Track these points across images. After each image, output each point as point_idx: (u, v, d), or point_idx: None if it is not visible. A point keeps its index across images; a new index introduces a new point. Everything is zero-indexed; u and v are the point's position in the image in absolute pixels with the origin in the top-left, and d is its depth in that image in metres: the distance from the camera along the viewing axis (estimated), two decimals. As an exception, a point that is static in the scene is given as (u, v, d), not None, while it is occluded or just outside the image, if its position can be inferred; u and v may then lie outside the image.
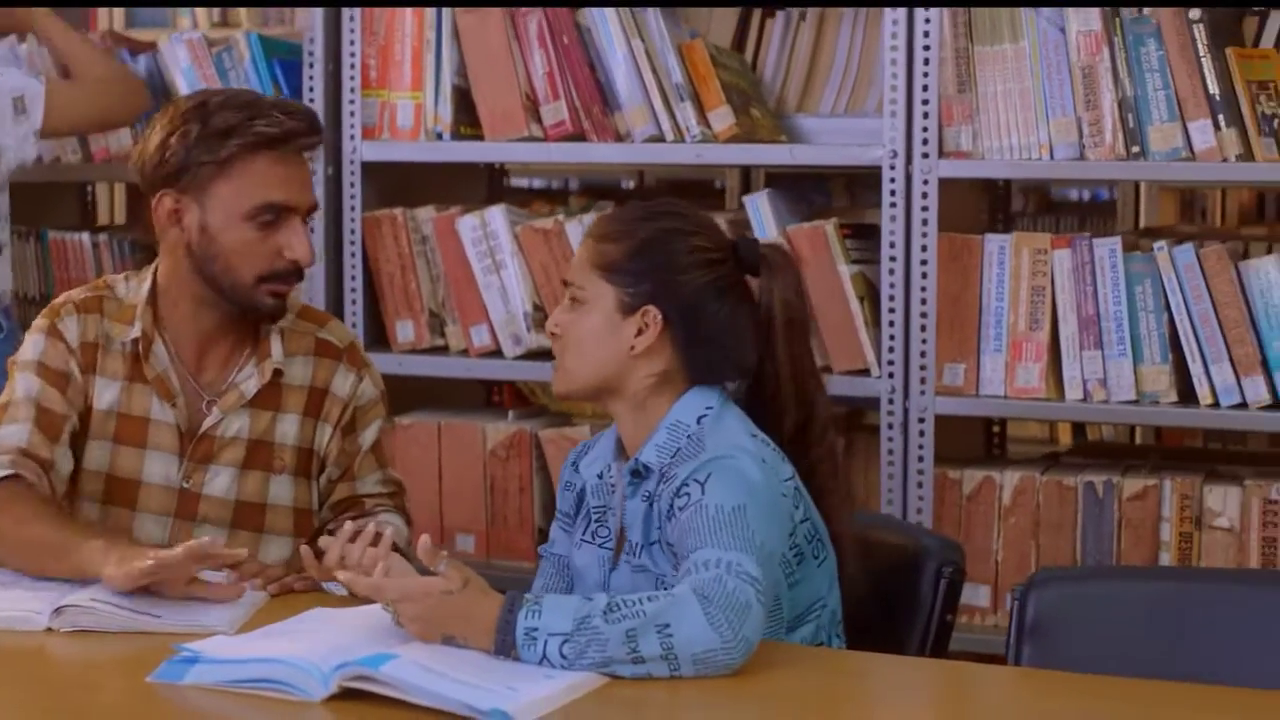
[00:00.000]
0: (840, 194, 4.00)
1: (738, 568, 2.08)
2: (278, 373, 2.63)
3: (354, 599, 2.25)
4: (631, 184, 5.82)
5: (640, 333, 2.31)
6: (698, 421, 2.30)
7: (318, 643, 2.09)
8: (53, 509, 2.52)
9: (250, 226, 2.54)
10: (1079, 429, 4.54)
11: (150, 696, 2.04)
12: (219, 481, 2.63)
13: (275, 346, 2.64)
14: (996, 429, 3.77)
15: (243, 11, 5.37)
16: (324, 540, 2.38)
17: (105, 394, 2.63)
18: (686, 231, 2.36)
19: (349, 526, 2.35)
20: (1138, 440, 4.36)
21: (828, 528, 2.34)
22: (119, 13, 5.22)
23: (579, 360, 2.35)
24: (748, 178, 4.28)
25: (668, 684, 2.03)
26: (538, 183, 6.25)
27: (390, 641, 2.09)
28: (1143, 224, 4.82)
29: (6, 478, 2.53)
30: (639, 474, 2.32)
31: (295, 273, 2.59)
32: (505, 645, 2.06)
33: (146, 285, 2.65)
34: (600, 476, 2.39)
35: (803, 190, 3.72)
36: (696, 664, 2.03)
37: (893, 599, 2.44)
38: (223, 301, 2.60)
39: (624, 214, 2.42)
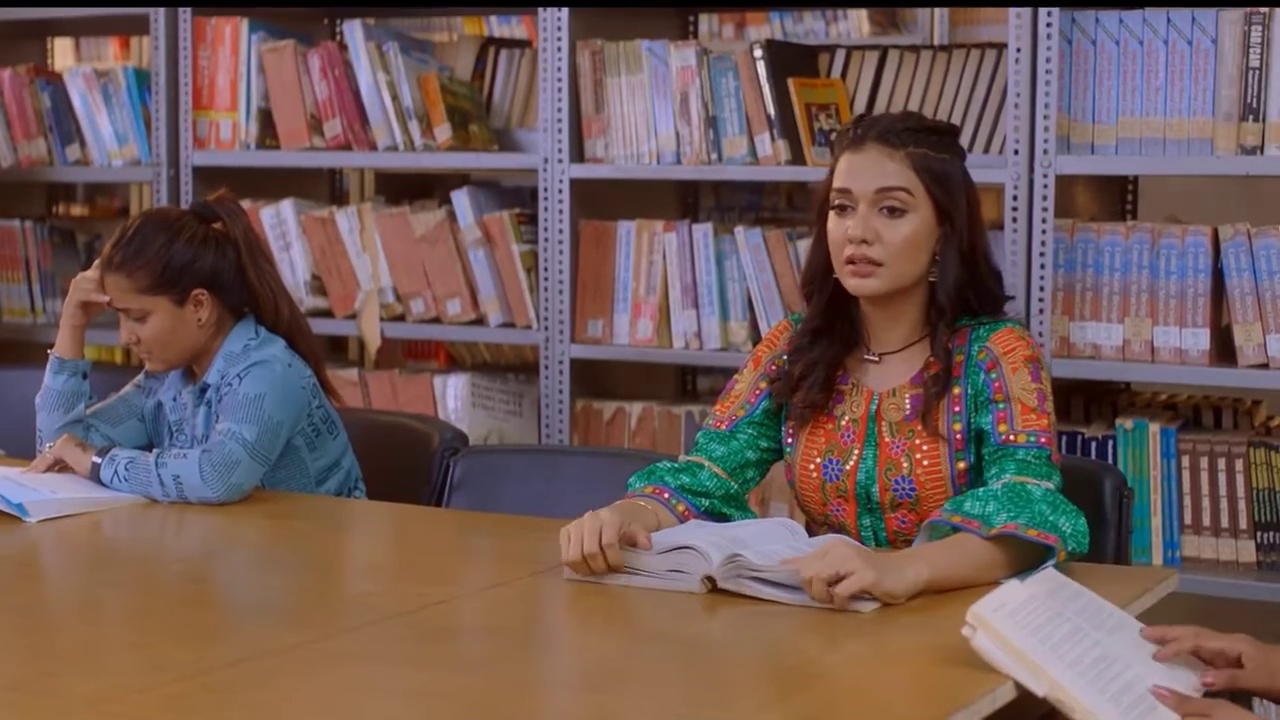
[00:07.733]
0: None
1: (238, 435, 3.13)
2: None
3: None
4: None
5: (199, 310, 3.25)
6: (244, 348, 3.29)
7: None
8: None
9: None
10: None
11: None
12: None
13: None
14: (689, 376, 4.74)
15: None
16: None
17: None
18: (175, 232, 3.23)
19: None
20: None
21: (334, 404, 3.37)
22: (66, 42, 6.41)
23: (171, 350, 3.26)
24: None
25: (168, 508, 3.11)
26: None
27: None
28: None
29: None
30: (204, 390, 3.31)
31: None
32: (95, 467, 3.15)
33: None
34: (175, 399, 3.36)
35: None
36: (199, 501, 3.11)
37: (412, 471, 3.46)
38: None
39: (131, 245, 3.20)
